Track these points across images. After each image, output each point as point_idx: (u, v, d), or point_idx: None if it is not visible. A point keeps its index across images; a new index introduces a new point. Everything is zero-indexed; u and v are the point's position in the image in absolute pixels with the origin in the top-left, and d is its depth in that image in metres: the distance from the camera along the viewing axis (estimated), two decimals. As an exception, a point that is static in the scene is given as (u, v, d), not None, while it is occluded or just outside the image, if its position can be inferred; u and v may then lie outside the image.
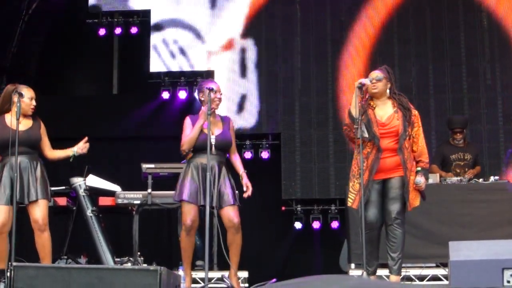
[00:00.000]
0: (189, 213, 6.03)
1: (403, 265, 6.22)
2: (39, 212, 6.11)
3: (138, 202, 7.80)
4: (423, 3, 10.76)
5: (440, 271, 7.71)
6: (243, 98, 10.43)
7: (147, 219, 8.56)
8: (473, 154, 8.82)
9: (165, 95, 11.06)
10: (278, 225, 10.81)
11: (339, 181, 10.42)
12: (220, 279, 7.10)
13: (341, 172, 10.40)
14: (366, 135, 5.92)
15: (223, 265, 7.03)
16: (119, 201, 7.82)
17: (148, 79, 11.09)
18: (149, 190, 7.77)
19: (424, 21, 10.73)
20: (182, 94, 10.96)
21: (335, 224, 10.54)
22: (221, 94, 6.30)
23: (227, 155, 6.33)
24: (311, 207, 10.72)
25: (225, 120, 6.35)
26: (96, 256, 8.03)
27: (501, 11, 10.58)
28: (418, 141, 6.06)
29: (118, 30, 11.29)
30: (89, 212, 8.05)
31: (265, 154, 10.75)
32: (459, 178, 8.14)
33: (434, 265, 7.82)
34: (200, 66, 10.65)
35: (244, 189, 6.21)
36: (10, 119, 6.15)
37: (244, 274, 7.67)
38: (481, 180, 8.20)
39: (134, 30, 11.22)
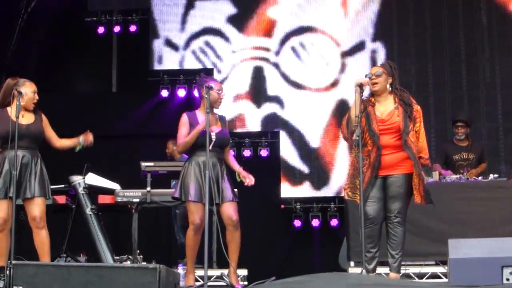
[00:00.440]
0: (197, 212, 6.04)
1: (403, 263, 6.22)
2: (36, 209, 6.10)
3: (137, 200, 7.80)
4: (423, 1, 10.76)
5: (440, 269, 7.70)
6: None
7: (146, 217, 8.57)
8: (477, 153, 8.80)
9: (164, 93, 11.06)
10: (278, 223, 10.82)
11: (338, 179, 10.43)
12: (220, 277, 7.10)
13: (341, 170, 10.40)
14: (355, 137, 5.86)
15: (223, 263, 7.02)
16: (118, 199, 7.82)
17: (148, 77, 11.10)
18: (148, 188, 7.77)
19: (423, 19, 10.73)
20: (181, 92, 10.97)
21: (334, 222, 10.55)
22: (223, 93, 6.31)
23: None
24: (310, 205, 10.73)
25: (222, 119, 6.38)
26: (95, 254, 8.03)
27: (501, 9, 10.58)
28: (419, 136, 6.05)
29: (117, 29, 11.31)
30: (88, 210, 8.04)
31: (264, 152, 10.75)
32: (458, 176, 8.13)
33: (433, 263, 7.81)
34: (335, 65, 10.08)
35: (246, 180, 6.22)
36: (11, 111, 6.14)
37: (243, 272, 7.67)
38: (480, 178, 8.20)
39: (133, 28, 11.23)
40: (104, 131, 11.14)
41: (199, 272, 6.84)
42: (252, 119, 10.15)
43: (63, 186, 7.94)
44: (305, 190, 10.69)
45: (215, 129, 6.22)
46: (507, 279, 4.77)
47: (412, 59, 10.62)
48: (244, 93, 10.36)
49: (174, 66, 10.77)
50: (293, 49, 9.41)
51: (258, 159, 10.72)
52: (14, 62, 10.92)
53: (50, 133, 6.38)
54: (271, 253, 10.54)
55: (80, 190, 8.05)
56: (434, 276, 7.70)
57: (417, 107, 6.09)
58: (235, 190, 6.26)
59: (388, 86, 6.10)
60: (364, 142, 5.94)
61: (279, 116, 10.59)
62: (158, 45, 10.83)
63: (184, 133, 6.20)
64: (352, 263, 7.81)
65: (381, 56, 10.25)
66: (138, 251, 7.93)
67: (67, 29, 11.46)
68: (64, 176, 8.00)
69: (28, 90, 6.22)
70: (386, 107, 6.08)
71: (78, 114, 10.95)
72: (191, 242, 6.14)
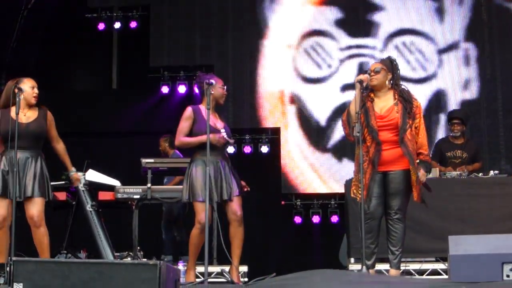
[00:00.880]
0: (204, 212, 6.01)
1: (403, 259, 6.22)
2: (34, 209, 6.10)
3: (138, 196, 7.80)
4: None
5: (440, 266, 7.71)
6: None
7: (147, 213, 8.56)
8: (471, 152, 8.75)
9: (165, 89, 11.06)
10: (278, 219, 10.82)
11: (338, 175, 10.43)
12: (220, 274, 7.10)
13: (341, 166, 10.41)
14: (356, 134, 5.86)
15: (223, 260, 7.03)
16: (119, 195, 7.82)
17: (148, 74, 11.11)
18: (149, 185, 7.77)
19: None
20: (182, 89, 10.97)
21: (334, 219, 10.56)
22: (225, 88, 6.32)
23: None
24: (310, 202, 10.74)
25: (221, 113, 6.38)
26: (95, 250, 8.03)
27: (502, 5, 10.59)
28: (419, 132, 6.03)
29: (117, 25, 11.30)
30: (88, 207, 8.04)
31: (264, 149, 10.76)
32: (458, 172, 8.12)
33: (433, 259, 7.82)
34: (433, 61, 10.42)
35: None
36: (13, 112, 6.14)
37: (244, 268, 7.67)
38: (480, 174, 8.19)
39: (133, 24, 11.23)
40: (104, 128, 11.19)
41: (200, 269, 6.85)
42: None
43: (63, 182, 7.94)
44: (306, 187, 10.69)
45: (220, 126, 6.22)
46: (508, 276, 4.77)
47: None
48: (351, 84, 10.55)
49: (287, 63, 10.66)
50: (396, 47, 10.03)
51: (259, 155, 10.73)
52: (14, 59, 10.92)
53: (52, 133, 6.35)
54: (271, 249, 10.55)
55: (81, 186, 8.05)
56: (434, 272, 7.70)
57: (417, 103, 6.08)
58: (242, 182, 6.30)
59: (387, 82, 6.09)
60: (363, 138, 5.93)
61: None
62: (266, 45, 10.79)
63: (186, 128, 6.18)
64: (352, 260, 7.81)
65: (473, 53, 10.52)
66: (138, 248, 7.94)
67: (67, 25, 11.45)
68: (64, 173, 8.01)
69: (26, 86, 6.21)
70: (386, 103, 6.07)
71: (78, 111, 10.95)
72: (196, 241, 6.13)
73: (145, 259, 7.78)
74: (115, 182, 8.07)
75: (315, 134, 10.64)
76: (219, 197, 6.07)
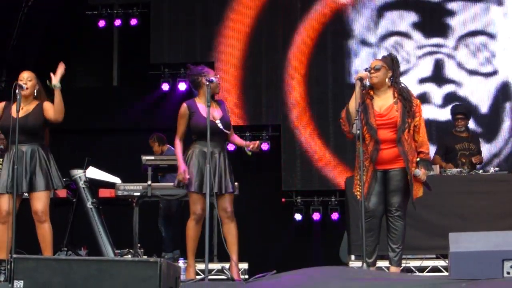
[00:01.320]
0: (198, 203, 6.03)
1: (403, 256, 6.22)
2: (38, 203, 6.10)
3: (138, 194, 7.81)
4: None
5: (440, 263, 7.71)
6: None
7: (147, 211, 8.57)
8: (477, 145, 8.83)
9: (165, 86, 11.06)
10: (278, 216, 10.83)
11: (339, 172, 10.43)
12: (220, 271, 7.11)
13: (341, 163, 10.41)
14: (355, 131, 5.86)
15: (223, 257, 7.03)
16: (119, 193, 7.83)
17: (149, 71, 11.10)
18: (149, 182, 7.78)
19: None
20: (182, 86, 10.96)
21: (335, 216, 10.56)
22: (218, 78, 6.31)
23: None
24: (311, 199, 10.74)
25: (220, 103, 6.36)
26: (96, 248, 8.04)
27: (507, 4, 10.64)
28: (419, 131, 6.02)
29: (117, 22, 11.30)
30: (89, 204, 8.06)
31: (265, 146, 10.76)
32: (459, 169, 8.13)
33: (434, 256, 7.82)
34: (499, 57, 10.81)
35: (252, 146, 6.24)
36: (13, 108, 6.14)
37: (244, 265, 7.68)
38: (481, 171, 8.19)
39: (133, 21, 11.22)
40: (105, 125, 11.19)
41: (200, 266, 6.85)
42: (435, 96, 10.68)
43: (64, 180, 7.95)
44: (306, 184, 10.69)
45: (217, 116, 6.20)
46: (508, 273, 4.76)
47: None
48: (427, 77, 10.76)
49: (369, 59, 10.72)
50: (466, 46, 10.70)
51: (259, 152, 10.71)
52: (14, 56, 10.92)
53: (49, 110, 6.26)
54: (271, 246, 10.55)
55: (81, 184, 8.07)
56: (435, 269, 7.70)
57: (416, 102, 6.06)
58: (235, 183, 6.27)
59: (387, 80, 6.08)
60: (362, 136, 5.92)
61: (457, 94, 10.69)
62: (351, 43, 10.85)
63: (182, 127, 6.17)
64: (352, 257, 7.81)
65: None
66: (139, 245, 7.94)
67: (68, 23, 11.45)
68: (65, 170, 8.01)
69: (21, 80, 6.23)
70: (385, 101, 6.05)
71: (79, 108, 10.94)
72: (192, 233, 6.11)
73: (145, 257, 7.78)
74: (116, 180, 8.07)
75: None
76: (218, 189, 6.05)
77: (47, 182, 6.16)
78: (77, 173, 8.14)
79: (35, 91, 6.30)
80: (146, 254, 8.12)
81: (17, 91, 6.10)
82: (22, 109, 6.16)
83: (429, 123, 9.60)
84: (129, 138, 11.10)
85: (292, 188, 10.74)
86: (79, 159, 8.23)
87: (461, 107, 9.37)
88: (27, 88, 6.22)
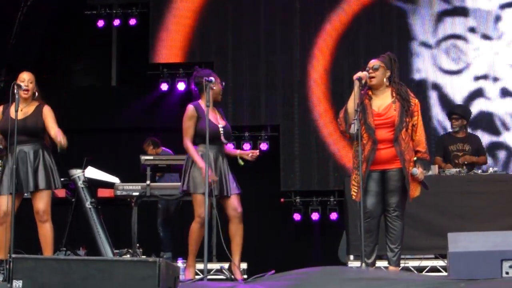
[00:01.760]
0: (203, 205, 6.00)
1: (402, 256, 6.22)
2: (39, 203, 6.12)
3: (137, 193, 7.81)
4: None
5: (439, 263, 7.71)
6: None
7: (146, 210, 8.57)
8: (474, 145, 8.79)
9: (164, 86, 11.06)
10: (277, 216, 10.83)
11: (338, 172, 10.43)
12: (219, 271, 7.10)
13: (340, 163, 10.41)
14: (353, 131, 5.85)
15: (222, 257, 7.03)
16: (118, 193, 7.83)
17: (147, 71, 11.10)
18: (148, 182, 7.77)
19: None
20: (181, 86, 10.96)
21: (334, 216, 10.55)
22: (222, 84, 6.32)
23: None
24: (310, 199, 10.74)
25: (219, 110, 6.37)
26: (95, 248, 8.04)
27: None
28: (417, 130, 6.02)
29: (116, 22, 11.30)
30: (88, 204, 8.05)
31: (263, 146, 10.75)
32: (458, 169, 8.13)
33: (433, 256, 7.82)
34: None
35: (250, 154, 6.30)
36: (12, 109, 6.15)
37: (243, 265, 7.67)
38: (480, 171, 8.20)
39: (132, 21, 11.22)
40: (104, 125, 11.19)
41: (199, 266, 6.85)
42: (492, 92, 10.77)
43: (62, 179, 7.95)
44: (305, 184, 10.69)
45: (221, 122, 6.22)
46: (507, 273, 4.77)
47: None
48: (482, 74, 10.84)
49: (428, 60, 10.90)
50: None
51: (254, 161, 10.71)
52: (13, 56, 10.92)
53: (48, 124, 6.29)
54: (270, 246, 10.55)
55: (80, 183, 8.06)
56: (434, 269, 7.71)
57: (415, 101, 6.06)
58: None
59: (385, 79, 6.07)
60: (360, 136, 5.92)
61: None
62: (412, 45, 10.93)
63: (191, 128, 6.14)
64: (351, 257, 7.81)
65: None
66: (137, 245, 7.94)
67: (67, 22, 11.45)
68: (63, 170, 8.01)
69: (21, 81, 6.23)
70: (383, 101, 6.05)
71: (78, 108, 10.95)
72: (195, 236, 6.10)
73: (144, 256, 7.78)
74: (115, 179, 8.07)
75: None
76: (219, 192, 6.06)
77: (49, 181, 6.18)
78: (76, 173, 8.14)
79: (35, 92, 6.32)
80: (145, 254, 8.11)
81: (15, 91, 6.09)
82: (21, 111, 6.16)
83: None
84: (128, 138, 11.10)
85: (291, 188, 10.74)
86: (78, 159, 8.23)
87: (456, 107, 9.42)
88: (28, 91, 6.24)
